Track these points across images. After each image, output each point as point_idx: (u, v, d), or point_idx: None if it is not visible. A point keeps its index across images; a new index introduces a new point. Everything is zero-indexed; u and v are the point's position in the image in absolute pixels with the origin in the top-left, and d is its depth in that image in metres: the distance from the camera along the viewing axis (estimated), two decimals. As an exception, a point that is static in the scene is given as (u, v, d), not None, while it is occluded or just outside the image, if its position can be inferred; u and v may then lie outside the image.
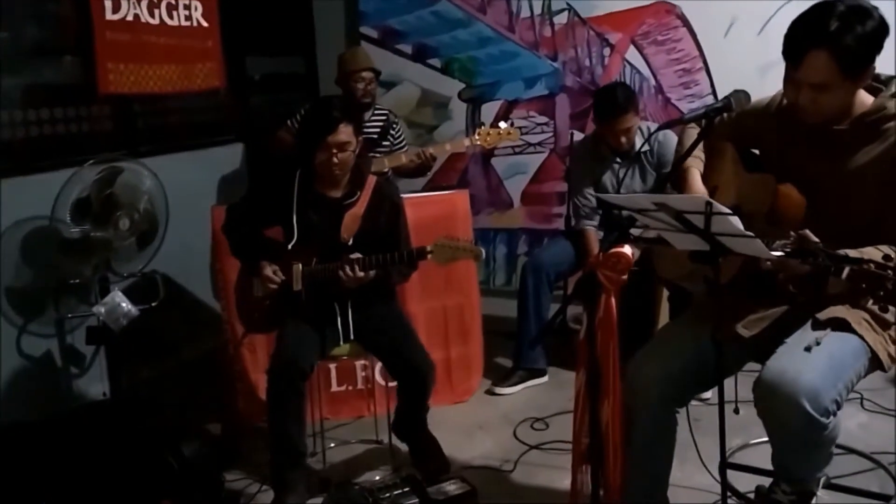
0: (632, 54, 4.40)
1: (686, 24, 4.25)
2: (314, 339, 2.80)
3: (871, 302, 1.61)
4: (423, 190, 4.01)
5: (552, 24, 4.55)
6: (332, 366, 3.53)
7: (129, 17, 3.92)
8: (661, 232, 1.86)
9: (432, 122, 4.97)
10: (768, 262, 1.79)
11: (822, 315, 1.98)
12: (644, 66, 4.39)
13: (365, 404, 3.53)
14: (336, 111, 2.72)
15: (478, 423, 3.48)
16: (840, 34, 1.85)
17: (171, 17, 4.19)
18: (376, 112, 4.20)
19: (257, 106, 4.94)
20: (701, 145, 2.32)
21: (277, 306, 2.87)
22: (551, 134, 4.67)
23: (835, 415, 1.90)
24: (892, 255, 1.61)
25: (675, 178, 2.28)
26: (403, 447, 3.10)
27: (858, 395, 3.40)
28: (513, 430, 3.35)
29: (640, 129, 3.71)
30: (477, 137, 3.87)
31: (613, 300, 2.07)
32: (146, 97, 4.12)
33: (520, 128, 4.62)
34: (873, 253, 1.88)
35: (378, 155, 4.10)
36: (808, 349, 1.88)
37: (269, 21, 5.04)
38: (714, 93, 4.24)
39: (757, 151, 2.23)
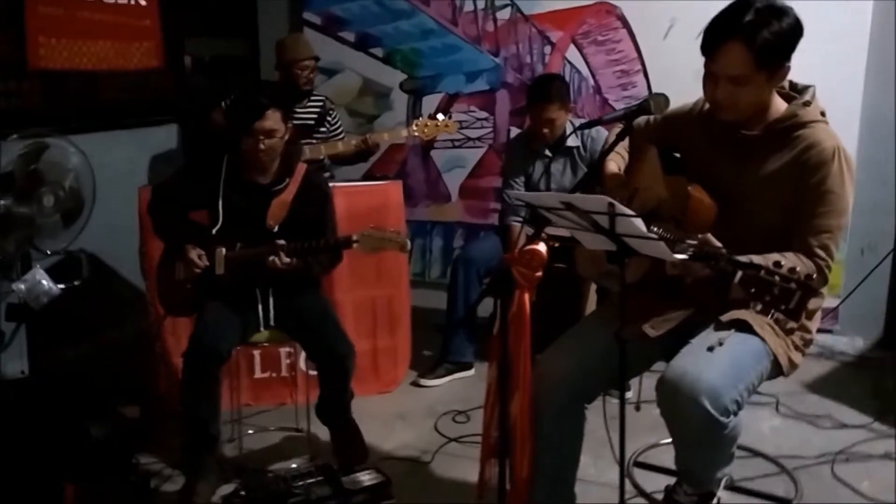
0: (572, 53, 4.46)
1: (626, 25, 4.32)
2: (233, 325, 2.79)
3: (758, 307, 1.65)
4: (362, 180, 4.00)
5: (495, 20, 4.58)
6: (256, 352, 3.52)
7: (64, -8, 3.85)
8: (572, 231, 1.89)
9: (373, 112, 4.97)
10: (671, 266, 1.82)
11: (726, 317, 2.04)
12: (584, 66, 4.44)
13: (288, 392, 3.51)
14: (264, 97, 2.70)
15: (400, 413, 3.50)
16: (755, 27, 1.89)
17: (108, -6, 4.11)
18: (312, 99, 4.18)
19: (196, 87, 4.85)
20: (628, 147, 2.37)
21: (199, 290, 2.84)
22: (491, 129, 4.70)
23: (735, 414, 1.95)
24: (783, 262, 1.66)
25: (597, 176, 2.32)
26: (323, 436, 3.10)
27: (774, 399, 3.50)
28: (434, 422, 3.37)
29: (574, 125, 3.74)
30: (415, 128, 3.88)
31: (527, 297, 2.09)
32: (79, 74, 4.04)
33: (460, 122, 4.67)
34: (776, 256, 1.95)
35: (314, 142, 4.08)
36: (710, 349, 1.93)
37: (212, 2, 4.96)
38: (659, 93, 4.29)
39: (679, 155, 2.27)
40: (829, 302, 4.07)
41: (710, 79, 2.02)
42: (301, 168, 2.91)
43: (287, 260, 2.70)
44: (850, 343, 4.18)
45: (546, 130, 3.64)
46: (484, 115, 4.70)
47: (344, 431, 2.98)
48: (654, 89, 4.28)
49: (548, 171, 3.75)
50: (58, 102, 4.00)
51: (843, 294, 4.07)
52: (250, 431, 3.29)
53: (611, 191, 2.27)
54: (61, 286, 3.40)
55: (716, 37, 1.95)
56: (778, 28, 1.91)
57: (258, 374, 3.59)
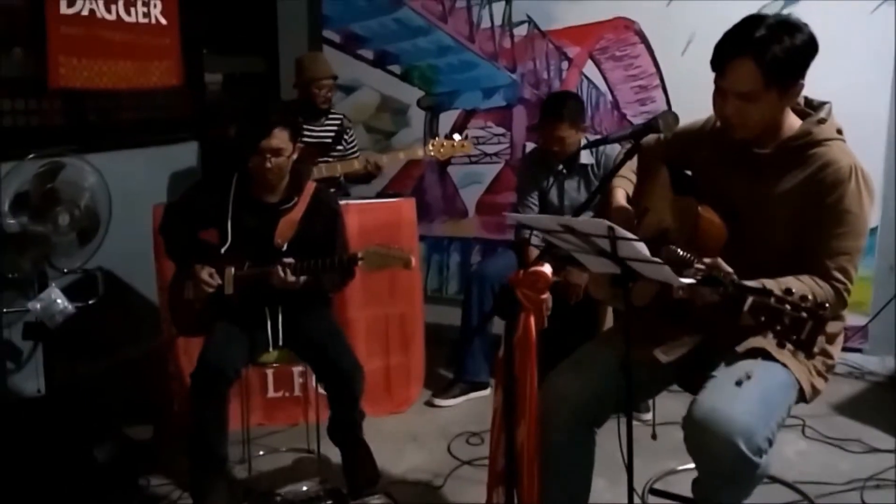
0: (589, 69, 4.42)
1: (644, 40, 4.27)
2: (242, 344, 2.77)
3: (770, 336, 1.59)
4: (378, 196, 3.98)
5: (512, 36, 4.55)
6: (269, 371, 3.50)
7: (85, 12, 3.88)
8: (575, 253, 1.84)
9: (391, 129, 4.96)
10: (680, 290, 1.77)
11: (742, 347, 1.96)
12: (601, 81, 4.40)
13: (301, 411, 3.49)
14: (272, 116, 2.69)
15: (413, 434, 3.45)
16: (765, 42, 1.85)
17: (128, 13, 4.15)
18: (330, 117, 4.18)
19: (215, 105, 4.88)
20: (637, 165, 2.32)
21: (208, 310, 2.83)
22: (508, 145, 4.67)
23: (767, 453, 1.87)
24: (794, 289, 1.60)
25: (604, 195, 2.28)
26: (334, 458, 3.06)
27: (800, 422, 3.39)
28: (447, 444, 3.32)
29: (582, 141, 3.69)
30: (431, 148, 3.86)
31: (532, 319, 2.05)
32: (99, 93, 4.07)
33: (477, 138, 4.67)
34: (790, 282, 1.89)
35: (331, 160, 4.08)
36: (738, 384, 1.85)
37: (232, 20, 4.99)
38: (670, 110, 4.24)
39: (690, 173, 2.23)
40: (859, 320, 3.98)
41: (719, 95, 1.98)
42: (310, 186, 2.90)
43: (293, 279, 2.67)
44: (880, 363, 4.07)
45: (556, 148, 3.60)
46: (501, 130, 4.67)
47: (354, 452, 2.94)
48: (673, 105, 4.23)
49: (562, 188, 3.70)
50: (78, 121, 4.05)
51: (873, 312, 3.97)
52: (261, 453, 3.27)
53: (618, 212, 2.22)
54: (77, 305, 3.43)
55: (725, 52, 1.91)
56: (790, 44, 1.86)
57: (271, 394, 3.57)
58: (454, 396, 3.75)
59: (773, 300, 1.60)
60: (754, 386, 1.88)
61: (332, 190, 4.06)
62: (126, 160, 4.17)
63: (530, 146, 4.45)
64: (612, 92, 4.39)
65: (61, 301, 3.35)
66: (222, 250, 2.81)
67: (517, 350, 2.06)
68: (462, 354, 3.79)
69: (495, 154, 4.71)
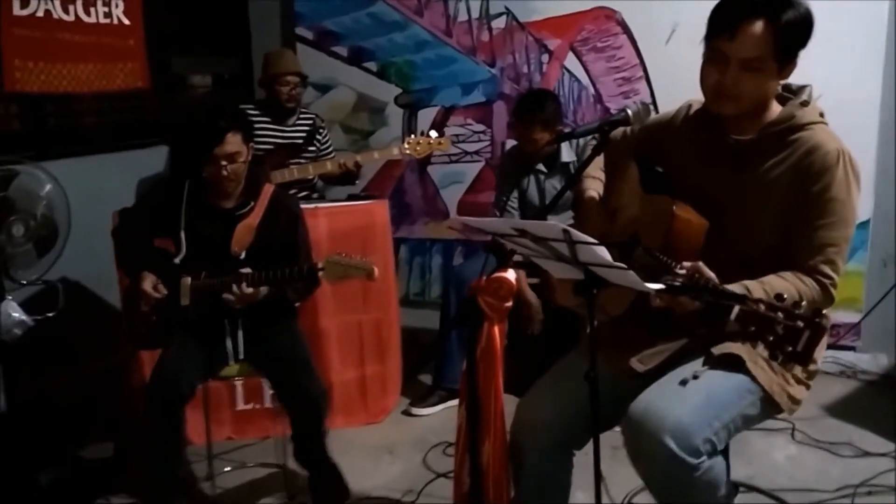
0: (571, 61, 4.27)
1: (626, 30, 4.12)
2: (198, 359, 2.62)
3: (762, 348, 1.44)
4: (350, 199, 3.82)
5: (490, 29, 4.40)
6: (238, 383, 3.35)
7: (40, 13, 3.73)
8: (536, 259, 1.69)
9: (368, 128, 4.80)
10: (657, 299, 1.62)
11: (717, 350, 1.81)
12: (583, 74, 4.25)
13: (273, 424, 3.33)
14: (223, 120, 2.54)
15: (388, 446, 3.31)
16: (781, 4, 1.72)
17: (87, 14, 4.00)
18: (301, 116, 4.02)
19: (184, 107, 4.71)
20: (603, 162, 2.18)
21: (164, 322, 2.68)
22: (488, 143, 4.52)
23: (709, 456, 1.73)
24: (785, 295, 1.45)
25: (574, 195, 2.14)
26: (304, 471, 2.91)
27: (789, 425, 3.26)
28: (423, 456, 3.17)
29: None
30: (406, 146, 3.71)
31: (496, 329, 1.90)
32: (60, 96, 3.92)
33: (457, 136, 4.52)
34: (774, 282, 1.74)
35: (303, 161, 3.92)
36: (683, 383, 1.72)
37: (203, 20, 4.83)
38: (654, 102, 4.10)
39: (662, 169, 2.07)
40: (851, 317, 3.84)
41: (716, 64, 1.80)
42: (267, 189, 2.75)
43: (249, 291, 2.52)
44: (872, 361, 3.93)
45: (529, 149, 3.47)
46: (481, 128, 4.52)
47: (322, 473, 2.79)
48: (658, 96, 4.08)
49: (542, 188, 3.55)
50: (36, 126, 3.88)
51: (866, 308, 3.83)
52: (227, 469, 3.12)
53: (590, 203, 2.07)
54: (36, 318, 3.27)
55: (737, 11, 1.75)
56: (799, 14, 1.73)
57: (240, 406, 3.42)
58: (432, 405, 3.59)
59: (763, 307, 1.45)
60: (699, 385, 1.75)
61: (304, 193, 3.94)
62: (90, 166, 4.00)
63: (511, 143, 4.30)
64: (594, 85, 4.24)
65: (18, 314, 3.18)
66: (177, 259, 2.65)
67: (480, 363, 1.92)
68: (440, 361, 3.63)
69: (476, 152, 4.56)
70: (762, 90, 1.81)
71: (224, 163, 2.54)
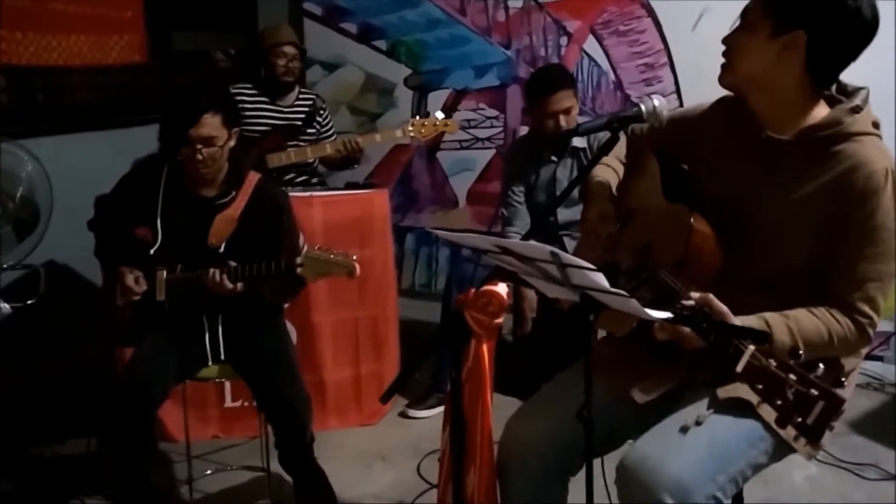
0: (591, 45, 4.02)
1: (651, 14, 3.87)
2: (173, 359, 2.43)
3: (769, 410, 1.24)
4: (348, 187, 3.62)
5: (507, 8, 4.17)
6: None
7: (31, -19, 3.54)
8: (525, 277, 1.48)
9: (376, 110, 4.60)
10: (660, 328, 1.41)
11: (724, 392, 1.57)
12: (603, 59, 4.01)
13: (262, 423, 3.15)
14: (200, 99, 2.33)
15: (381, 451, 3.12)
16: None
17: (82, -17, 3.81)
18: (301, 96, 3.82)
19: (183, 83, 4.52)
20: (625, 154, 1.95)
21: (139, 318, 2.49)
22: (501, 129, 4.29)
23: None
24: (801, 351, 1.25)
25: (583, 186, 1.92)
26: (289, 475, 2.73)
27: (811, 442, 3.03)
28: (418, 463, 2.98)
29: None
30: (411, 128, 3.49)
31: (485, 348, 1.70)
32: (50, 70, 3.74)
33: (468, 121, 4.30)
34: (802, 320, 1.52)
35: (302, 144, 3.72)
36: (683, 430, 1.50)
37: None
38: (678, 91, 3.87)
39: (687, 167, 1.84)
40: (883, 325, 3.59)
41: None
42: (252, 178, 2.54)
43: (229, 286, 2.33)
44: (902, 373, 3.69)
45: (563, 122, 3.15)
46: (494, 113, 4.30)
47: (307, 480, 2.61)
48: (682, 85, 3.84)
49: (553, 177, 3.32)
50: (25, 101, 3.71)
51: (897, 316, 3.59)
52: (208, 472, 2.94)
53: (598, 187, 1.87)
54: (14, 305, 3.11)
55: None
56: None
57: (228, 403, 3.25)
58: (430, 407, 3.39)
59: (774, 365, 1.24)
60: (702, 434, 1.53)
61: (303, 178, 3.74)
62: (81, 144, 3.84)
63: (525, 130, 4.08)
64: (615, 71, 4.00)
65: (-6, 301, 3.02)
66: (152, 251, 2.46)
67: (467, 384, 1.71)
68: (439, 361, 3.43)
69: (488, 139, 4.35)
70: (755, 57, 1.58)
71: (199, 146, 2.33)
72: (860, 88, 1.65)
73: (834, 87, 1.67)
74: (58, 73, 3.78)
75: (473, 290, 1.68)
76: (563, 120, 3.16)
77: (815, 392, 1.18)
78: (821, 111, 1.62)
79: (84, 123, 3.93)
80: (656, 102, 1.67)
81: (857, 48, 1.55)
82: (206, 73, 4.65)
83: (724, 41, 1.62)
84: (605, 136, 3.04)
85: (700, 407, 1.61)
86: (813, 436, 1.20)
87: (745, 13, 1.59)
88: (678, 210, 1.63)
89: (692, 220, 1.58)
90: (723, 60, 1.63)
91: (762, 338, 1.25)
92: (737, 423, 1.56)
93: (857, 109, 1.59)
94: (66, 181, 3.36)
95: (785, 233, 1.61)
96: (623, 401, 1.69)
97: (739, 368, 1.24)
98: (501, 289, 1.66)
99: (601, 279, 1.25)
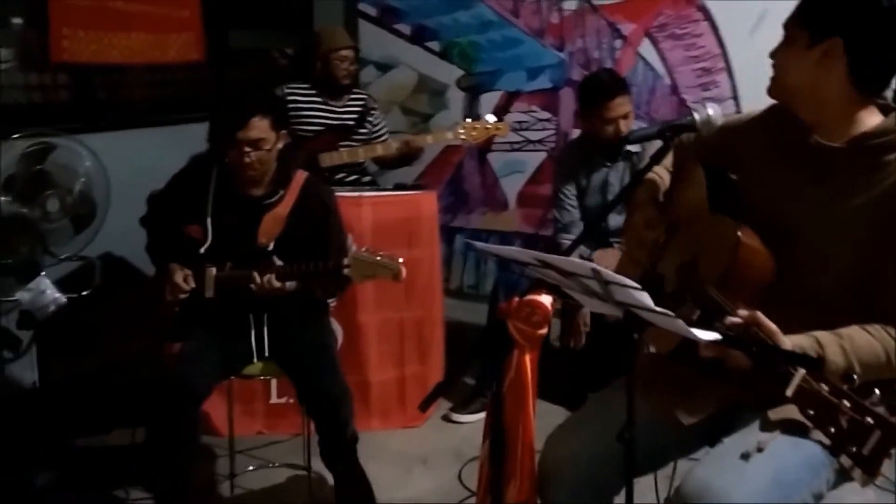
0: (646, 48, 3.95)
1: (708, 17, 3.78)
2: (216, 357, 2.46)
3: (822, 437, 1.19)
4: (397, 188, 3.62)
5: (560, 10, 4.12)
6: (271, 376, 3.20)
7: (92, -19, 3.62)
8: (568, 290, 1.45)
9: (428, 111, 4.60)
10: (705, 346, 1.37)
11: (775, 413, 1.52)
12: (659, 63, 3.93)
13: (306, 420, 3.18)
14: (249, 103, 2.36)
15: (423, 455, 3.11)
16: None
17: (142, -18, 3.87)
18: (353, 97, 3.83)
19: (241, 81, 4.57)
20: (671, 163, 1.90)
21: (187, 314, 2.53)
22: (553, 131, 4.25)
23: None
24: (857, 374, 1.19)
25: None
26: (329, 475, 2.73)
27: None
28: (459, 470, 2.96)
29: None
30: (462, 131, 3.49)
31: (527, 359, 1.67)
32: (111, 67, 3.81)
33: (520, 123, 4.27)
34: (856, 338, 1.46)
35: (354, 144, 3.74)
36: (745, 457, 1.44)
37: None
38: (735, 97, 3.77)
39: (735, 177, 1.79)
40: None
41: None
42: (300, 178, 2.56)
43: (277, 285, 2.35)
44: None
45: (623, 127, 3.11)
46: (546, 115, 4.26)
47: (347, 479, 2.62)
48: (740, 90, 3.74)
49: (605, 182, 3.27)
50: (85, 98, 3.79)
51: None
52: (250, 468, 2.97)
53: (647, 184, 1.83)
54: (70, 296, 3.19)
55: None
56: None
57: (274, 400, 3.28)
58: (474, 412, 3.37)
59: (826, 390, 1.18)
60: (765, 461, 1.45)
61: (354, 177, 3.76)
62: (139, 140, 3.91)
63: (577, 133, 4.04)
64: (670, 75, 3.92)
65: (50, 291, 3.10)
66: (202, 249, 2.50)
67: (509, 396, 1.69)
68: (484, 365, 3.40)
69: (539, 141, 4.30)
70: (796, 68, 1.54)
71: (248, 149, 2.36)
72: None
73: (891, 96, 1.61)
74: (117, 70, 3.86)
75: (517, 299, 1.65)
76: (622, 125, 3.12)
77: (870, 420, 1.12)
78: (874, 119, 1.57)
79: (141, 119, 4.00)
80: (710, 111, 1.63)
81: None
82: (261, 72, 4.69)
83: (771, 55, 1.60)
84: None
85: (755, 430, 1.54)
86: (870, 467, 1.14)
87: (785, 26, 1.57)
88: (725, 222, 1.57)
89: (740, 233, 1.52)
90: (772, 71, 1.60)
91: (813, 364, 1.20)
92: (798, 450, 1.48)
93: None
94: (123, 176, 3.42)
95: (833, 245, 1.54)
96: (666, 420, 1.64)
97: (790, 392, 1.19)
98: (546, 299, 1.63)
99: (645, 297, 1.22)
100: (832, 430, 1.15)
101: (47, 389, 3.14)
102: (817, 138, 1.57)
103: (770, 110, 1.71)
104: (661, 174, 1.88)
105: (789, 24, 1.55)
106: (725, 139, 1.75)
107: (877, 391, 1.16)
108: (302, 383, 2.50)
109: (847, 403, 1.14)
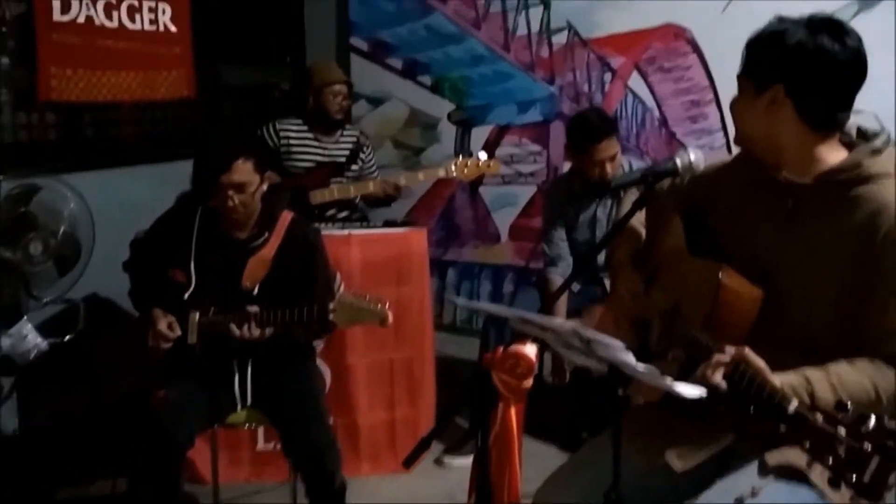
0: (635, 81, 3.95)
1: (697, 50, 3.79)
2: (201, 404, 2.41)
3: (818, 471, 1.15)
4: (387, 225, 3.58)
5: (550, 44, 4.13)
6: (257, 421, 3.14)
7: (81, 20, 3.60)
8: (553, 345, 1.41)
9: (419, 145, 4.58)
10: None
11: (773, 458, 1.49)
12: (648, 96, 3.93)
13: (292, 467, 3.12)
14: (231, 146, 2.32)
15: (415, 501, 3.02)
16: (767, 33, 1.56)
17: (132, 20, 3.86)
18: (345, 133, 3.81)
19: (231, 117, 4.56)
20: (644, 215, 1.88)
21: (171, 360, 2.48)
22: (544, 164, 4.24)
23: None
24: (848, 403, 1.16)
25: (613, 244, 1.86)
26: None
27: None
28: (451, 516, 2.90)
29: (622, 165, 3.23)
30: (454, 168, 3.46)
31: (513, 412, 1.63)
32: (99, 105, 3.79)
33: (511, 156, 4.26)
34: (844, 374, 1.44)
35: (344, 181, 3.71)
36: (738, 502, 1.40)
37: (256, 28, 4.67)
38: (724, 129, 3.77)
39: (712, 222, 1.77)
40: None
41: None
42: (285, 218, 2.52)
43: (257, 333, 2.30)
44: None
45: (609, 169, 3.09)
46: (537, 148, 4.25)
47: (335, 528, 2.55)
48: (728, 122, 3.70)
49: (594, 217, 3.24)
50: (73, 136, 3.76)
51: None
52: (235, 519, 2.91)
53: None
54: (52, 341, 3.13)
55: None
56: (792, 41, 1.51)
57: (260, 446, 3.20)
58: (467, 454, 3.28)
59: (821, 419, 1.16)
60: None
61: (345, 213, 3.72)
62: (128, 177, 3.88)
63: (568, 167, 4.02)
64: (660, 107, 3.92)
65: (32, 336, 3.05)
66: (186, 294, 2.45)
67: (494, 449, 1.64)
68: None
69: (530, 174, 4.30)
70: (750, 116, 1.60)
71: (231, 192, 2.32)
72: (880, 131, 1.60)
73: (854, 132, 1.62)
74: (105, 108, 3.83)
75: (501, 350, 1.61)
76: (609, 167, 3.09)
77: (868, 446, 1.10)
78: (838, 154, 1.57)
79: (130, 157, 3.97)
80: (692, 156, 1.63)
81: (844, 89, 1.53)
82: (253, 108, 4.67)
83: (730, 107, 1.66)
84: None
85: (750, 474, 1.51)
86: (872, 495, 1.11)
87: (738, 78, 1.63)
88: (706, 265, 1.57)
89: (721, 274, 1.51)
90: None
91: (786, 418, 1.18)
92: (795, 494, 1.44)
93: (876, 151, 1.54)
94: (111, 214, 3.39)
95: (811, 283, 1.54)
96: (659, 468, 1.61)
97: (783, 429, 1.19)
98: (531, 349, 1.59)
99: (629, 356, 1.18)
100: (830, 460, 1.13)
101: (28, 437, 3.06)
102: (786, 174, 1.58)
103: (739, 156, 1.74)
104: (637, 227, 1.87)
105: (739, 77, 1.61)
106: (699, 186, 1.77)
107: (873, 417, 1.13)
108: (286, 434, 2.45)
109: (843, 431, 1.13)
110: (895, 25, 3.34)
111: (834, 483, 1.15)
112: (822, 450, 1.16)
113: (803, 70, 1.50)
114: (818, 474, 1.42)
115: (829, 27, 1.51)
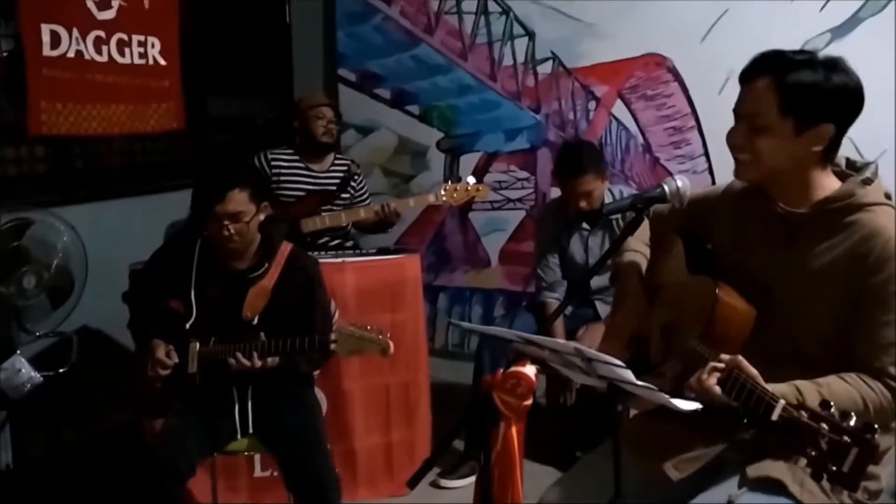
0: (619, 109, 4.04)
1: (678, 78, 3.88)
2: (202, 433, 2.43)
3: (804, 463, 1.24)
4: (380, 252, 3.62)
5: (535, 74, 4.20)
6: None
7: (71, 54, 3.63)
8: (552, 363, 1.46)
9: (409, 172, 4.63)
10: (688, 387, 1.41)
11: (754, 470, 1.56)
12: (631, 123, 4.02)
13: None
14: (228, 175, 2.37)
15: (412, 524, 3.06)
16: (792, 65, 1.59)
17: (122, 54, 3.90)
18: (336, 162, 3.86)
19: (223, 148, 4.60)
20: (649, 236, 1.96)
21: (170, 389, 2.50)
22: (532, 190, 4.30)
23: None
24: (833, 402, 1.26)
25: (614, 267, 1.93)
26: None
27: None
28: (448, 538, 2.93)
29: (612, 192, 3.31)
30: (443, 193, 3.51)
31: (514, 431, 1.67)
32: (88, 138, 3.82)
33: (499, 182, 4.32)
34: (833, 386, 1.53)
35: (336, 208, 3.75)
36: None
37: (243, 60, 4.73)
38: (706, 153, 3.86)
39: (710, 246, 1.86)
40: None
41: (735, 125, 1.69)
42: (284, 249, 2.57)
43: (258, 364, 2.33)
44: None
45: (583, 204, 3.20)
46: (525, 174, 4.32)
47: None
48: (710, 148, 3.83)
49: (585, 246, 3.31)
50: (63, 169, 3.78)
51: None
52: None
53: (627, 280, 1.88)
54: (46, 374, 3.14)
55: (748, 69, 1.65)
56: (820, 78, 1.58)
57: (258, 473, 3.21)
58: (463, 476, 3.33)
59: (805, 416, 1.25)
60: None
61: (337, 241, 3.77)
62: (118, 209, 3.91)
63: (556, 192, 4.08)
64: (643, 134, 4.00)
65: (25, 370, 3.06)
66: (187, 325, 2.48)
67: (496, 469, 1.68)
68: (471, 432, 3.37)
69: (519, 200, 4.35)
70: (782, 154, 1.63)
71: (226, 222, 2.36)
72: (869, 163, 1.71)
73: (843, 162, 1.73)
74: (95, 140, 3.86)
75: (501, 371, 1.65)
76: (584, 202, 3.18)
77: (847, 439, 1.19)
78: (832, 183, 1.68)
79: (120, 189, 4.00)
80: (679, 183, 1.70)
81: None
82: (242, 139, 4.72)
83: (735, 143, 1.66)
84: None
85: (731, 486, 1.59)
86: (849, 484, 1.21)
87: (745, 116, 1.64)
88: (704, 282, 1.66)
89: (718, 290, 1.60)
90: (740, 144, 1.66)
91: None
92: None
93: (867, 181, 1.65)
94: (102, 247, 3.41)
95: (806, 304, 1.64)
96: (657, 478, 1.67)
97: (775, 416, 1.26)
98: (530, 370, 1.64)
99: (628, 374, 1.24)
100: (813, 453, 1.21)
101: (22, 471, 3.06)
102: (782, 205, 1.67)
103: (732, 188, 1.83)
104: (642, 250, 1.94)
105: (760, 116, 1.61)
106: (698, 210, 1.86)
107: (854, 414, 1.22)
108: (285, 461, 2.47)
109: (825, 426, 1.21)
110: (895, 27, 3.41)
111: (816, 475, 1.24)
112: (805, 444, 1.24)
113: (851, 109, 1.60)
114: (798, 485, 1.51)
115: (843, 65, 1.61)
